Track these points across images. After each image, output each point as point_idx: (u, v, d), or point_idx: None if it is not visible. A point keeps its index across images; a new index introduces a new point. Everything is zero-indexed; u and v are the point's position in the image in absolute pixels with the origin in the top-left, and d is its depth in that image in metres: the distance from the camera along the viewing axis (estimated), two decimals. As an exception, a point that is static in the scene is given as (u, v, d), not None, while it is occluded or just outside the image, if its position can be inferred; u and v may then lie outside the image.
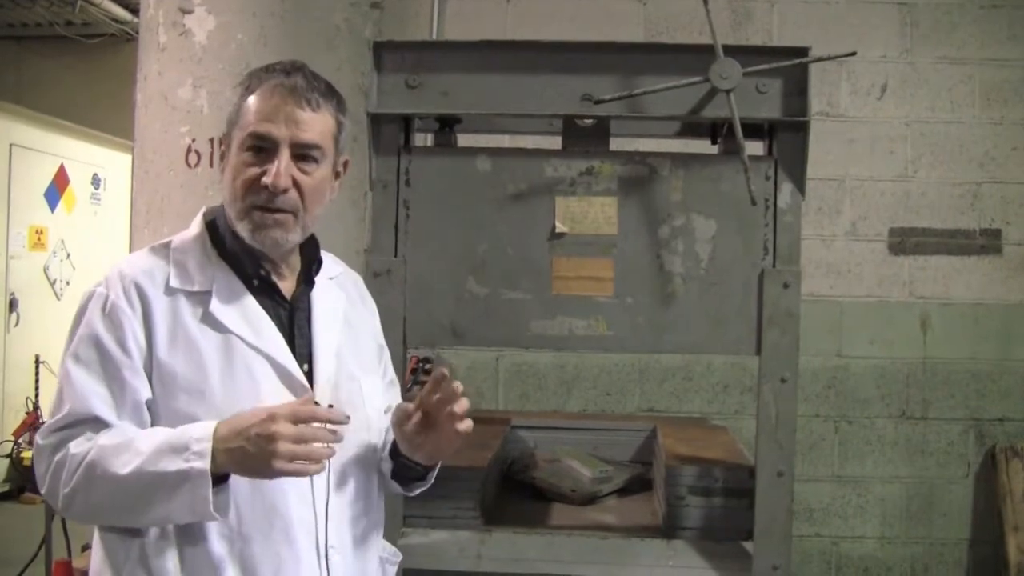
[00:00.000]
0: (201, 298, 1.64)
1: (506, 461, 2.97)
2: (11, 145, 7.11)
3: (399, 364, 2.26)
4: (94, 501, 1.54)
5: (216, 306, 1.64)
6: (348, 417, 1.56)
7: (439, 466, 1.89)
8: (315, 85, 1.68)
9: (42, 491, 1.59)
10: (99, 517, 1.59)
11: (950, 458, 4.49)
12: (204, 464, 1.47)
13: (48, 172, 7.58)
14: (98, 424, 1.56)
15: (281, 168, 1.62)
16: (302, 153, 1.65)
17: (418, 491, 1.92)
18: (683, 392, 4.52)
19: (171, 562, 1.57)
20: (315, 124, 1.66)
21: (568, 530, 2.44)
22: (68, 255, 7.78)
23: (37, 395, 6.71)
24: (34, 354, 6.91)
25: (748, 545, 2.30)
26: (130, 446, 1.51)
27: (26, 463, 6.56)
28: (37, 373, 6.85)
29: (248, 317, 1.66)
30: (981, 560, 4.46)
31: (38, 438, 1.60)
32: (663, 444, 2.75)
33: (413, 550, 2.30)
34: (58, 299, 7.64)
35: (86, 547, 4.12)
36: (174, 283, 1.64)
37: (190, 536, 1.58)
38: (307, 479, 1.62)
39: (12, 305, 7.08)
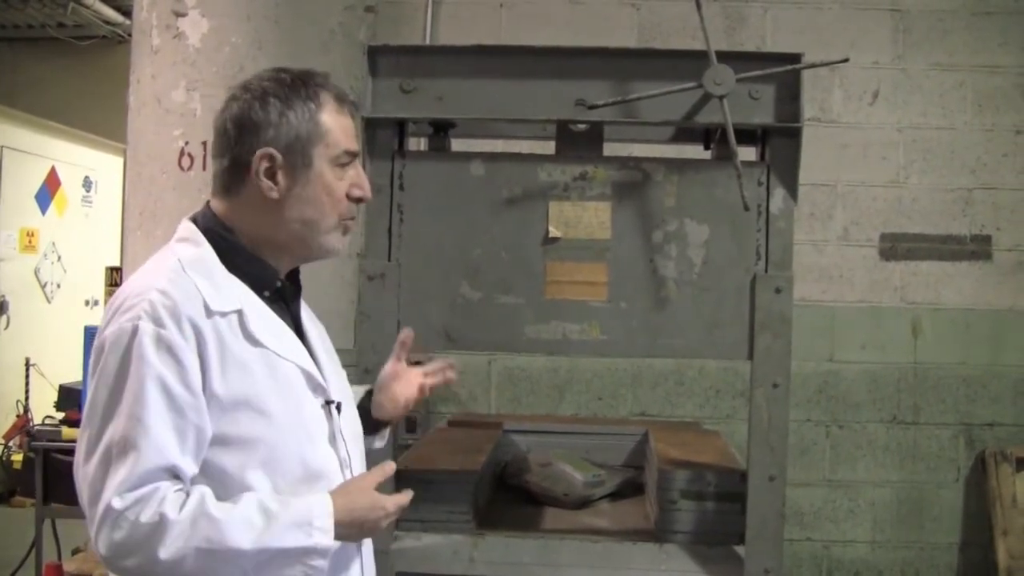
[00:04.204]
0: (233, 317, 1.62)
1: (499, 465, 2.98)
2: (2, 147, 7.09)
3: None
4: (204, 569, 1.50)
5: (253, 323, 1.63)
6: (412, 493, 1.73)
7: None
8: None
9: (108, 553, 1.49)
10: None
11: (940, 462, 4.51)
12: (328, 541, 1.54)
13: (39, 174, 7.57)
14: (172, 472, 1.51)
15: (366, 180, 1.74)
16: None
17: (378, 444, 2.05)
18: (675, 396, 4.53)
19: None
20: None
21: (561, 534, 2.44)
22: (59, 258, 7.76)
23: (27, 397, 6.68)
24: (24, 357, 6.89)
25: (740, 549, 2.30)
26: (245, 518, 1.51)
27: (16, 466, 6.53)
28: (27, 376, 6.83)
29: (273, 330, 1.66)
30: (971, 564, 4.48)
31: (112, 500, 1.46)
32: (655, 448, 2.75)
33: (406, 554, 2.30)
34: (49, 302, 7.62)
35: (76, 550, 4.12)
36: (213, 306, 1.60)
37: None
38: (341, 478, 1.69)
39: (3, 307, 7.06)
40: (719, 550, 2.34)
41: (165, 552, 1.47)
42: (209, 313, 1.58)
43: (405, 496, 1.68)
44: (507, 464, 2.99)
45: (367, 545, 1.76)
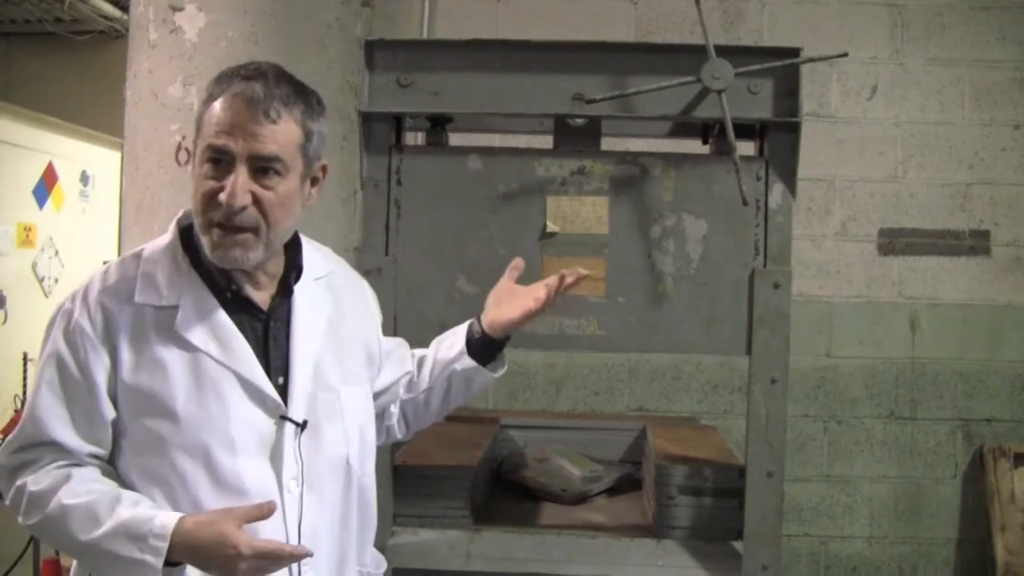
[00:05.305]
0: (168, 313, 1.59)
1: (496, 460, 2.97)
2: (-1, 142, 7.08)
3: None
4: (53, 543, 1.65)
5: (182, 323, 1.58)
6: (311, 554, 1.56)
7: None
8: (276, 93, 1.57)
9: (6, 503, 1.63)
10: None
11: (938, 458, 4.51)
12: (157, 562, 1.48)
13: (36, 169, 7.55)
14: (55, 448, 1.57)
15: (237, 185, 1.53)
16: (261, 167, 1.56)
17: (501, 372, 2.01)
18: (673, 392, 4.53)
19: None
20: (275, 136, 1.56)
21: (558, 529, 2.43)
22: (56, 253, 7.74)
23: (25, 393, 6.68)
24: (22, 352, 6.88)
25: (738, 545, 2.30)
26: (90, 512, 1.51)
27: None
28: (25, 371, 6.82)
29: (217, 332, 1.60)
30: (969, 560, 4.48)
31: (0, 458, 1.63)
32: (653, 443, 2.75)
33: (402, 550, 2.30)
34: (46, 297, 7.60)
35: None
36: (139, 298, 1.59)
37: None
38: (277, 497, 1.60)
39: (0, 303, 7.05)
40: (717, 546, 2.33)
41: (24, 519, 1.58)
42: (133, 303, 1.59)
43: (267, 544, 1.48)
44: (504, 459, 2.99)
45: None
